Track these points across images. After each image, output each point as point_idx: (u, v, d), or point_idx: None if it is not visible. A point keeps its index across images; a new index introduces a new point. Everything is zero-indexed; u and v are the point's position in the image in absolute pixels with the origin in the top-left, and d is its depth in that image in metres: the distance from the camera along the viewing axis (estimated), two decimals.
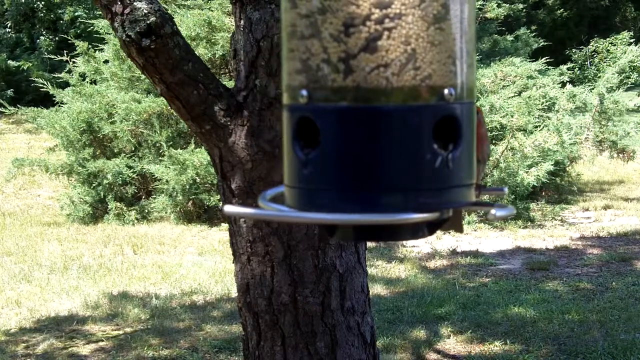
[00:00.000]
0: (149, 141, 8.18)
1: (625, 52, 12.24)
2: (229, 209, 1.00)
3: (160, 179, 7.79)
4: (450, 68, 0.92)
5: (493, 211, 0.92)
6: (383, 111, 0.90)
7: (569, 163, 8.85)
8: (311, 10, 0.91)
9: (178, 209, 7.86)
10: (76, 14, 15.51)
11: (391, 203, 0.90)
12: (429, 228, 0.95)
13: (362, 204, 0.90)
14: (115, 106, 8.24)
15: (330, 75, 0.90)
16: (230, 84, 2.56)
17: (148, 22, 2.26)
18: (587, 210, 8.31)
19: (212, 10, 8.30)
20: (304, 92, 0.92)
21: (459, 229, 1.30)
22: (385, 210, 0.90)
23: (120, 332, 4.68)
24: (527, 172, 7.68)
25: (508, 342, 4.28)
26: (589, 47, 19.47)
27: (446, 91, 0.91)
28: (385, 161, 0.90)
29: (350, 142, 0.90)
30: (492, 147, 7.79)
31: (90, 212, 8.17)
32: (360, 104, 0.90)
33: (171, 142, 8.00)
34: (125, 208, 8.09)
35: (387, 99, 0.90)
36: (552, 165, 7.86)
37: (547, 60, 10.20)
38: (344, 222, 0.93)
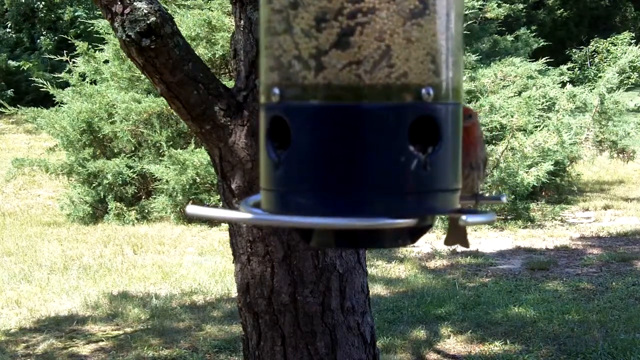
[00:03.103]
0: (149, 141, 8.18)
1: (625, 52, 12.23)
2: (191, 210, 0.93)
3: (160, 179, 7.79)
4: (429, 66, 0.86)
5: (464, 217, 0.87)
6: (355, 110, 0.85)
7: (569, 163, 8.85)
8: (284, 4, 0.87)
9: (178, 209, 7.86)
10: (76, 14, 15.52)
11: (367, 207, 0.85)
12: (411, 235, 0.89)
13: (335, 207, 0.85)
14: (115, 106, 8.23)
15: (301, 72, 0.86)
16: (230, 84, 2.56)
17: (148, 22, 2.26)
18: (587, 210, 8.31)
19: (212, 10, 8.30)
20: (276, 91, 0.88)
21: (465, 244, 1.24)
22: (360, 215, 0.85)
23: (120, 332, 4.68)
24: (527, 172, 7.68)
25: (508, 342, 4.28)
26: (589, 47, 19.48)
27: (424, 90, 0.86)
28: (359, 163, 0.85)
29: (321, 142, 0.86)
30: (492, 147, 7.79)
31: (90, 212, 8.17)
32: (331, 102, 0.85)
33: (171, 142, 8.00)
34: (125, 208, 8.09)
35: (359, 97, 0.85)
36: (552, 165, 7.86)
37: (547, 60, 10.20)
38: (316, 226, 0.88)
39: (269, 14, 0.90)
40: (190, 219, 7.87)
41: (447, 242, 1.24)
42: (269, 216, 0.92)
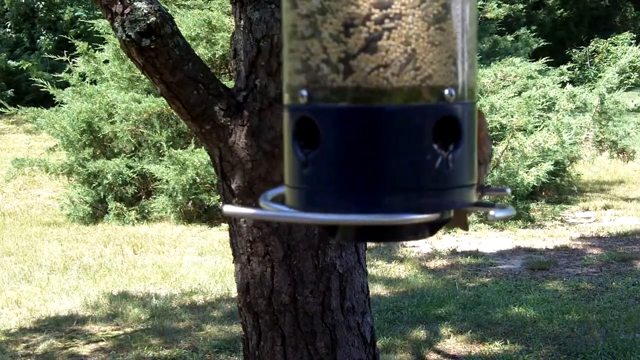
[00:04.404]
0: (149, 141, 8.18)
1: (625, 52, 12.23)
2: (228, 209, 0.99)
3: (160, 179, 7.79)
4: (451, 68, 0.91)
5: (492, 212, 0.92)
6: (383, 111, 0.90)
7: (569, 163, 8.85)
8: (311, 10, 0.91)
9: (178, 209, 7.86)
10: (76, 14, 15.51)
11: (392, 203, 0.89)
12: (430, 228, 0.94)
13: (362, 204, 0.89)
14: (115, 106, 8.23)
15: (330, 75, 0.90)
16: (230, 84, 2.56)
17: (148, 22, 2.26)
18: (587, 210, 8.31)
19: (212, 10, 8.31)
20: (304, 92, 0.92)
21: (464, 227, 1.30)
22: (385, 211, 0.89)
23: (120, 332, 4.68)
24: (527, 172, 7.68)
25: (508, 342, 4.28)
26: (589, 47, 19.47)
27: (446, 91, 0.90)
28: (386, 162, 0.89)
29: (350, 142, 0.90)
30: (492, 147, 7.78)
31: (90, 212, 8.17)
32: (360, 104, 0.89)
33: (171, 142, 8.00)
34: (125, 208, 8.09)
35: (387, 100, 0.89)
36: (552, 165, 7.86)
37: (547, 60, 10.20)
38: (344, 222, 0.92)
39: (294, 18, 0.93)
40: (190, 219, 7.88)
41: (448, 225, 1.28)
42: (302, 214, 0.96)
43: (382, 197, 0.90)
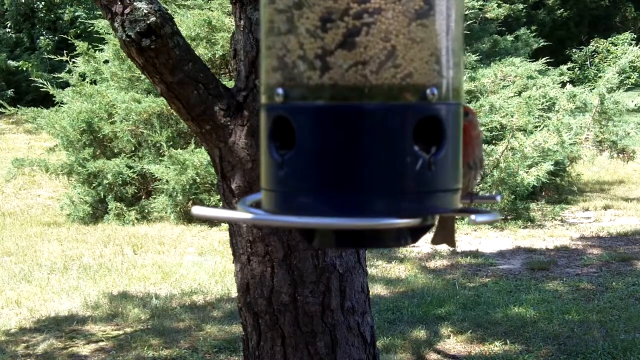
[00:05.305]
0: (149, 141, 8.18)
1: (625, 53, 12.23)
2: (197, 210, 0.93)
3: (160, 179, 7.79)
4: (433, 67, 0.87)
5: (473, 216, 0.88)
6: (361, 110, 0.85)
7: (569, 163, 8.85)
8: (288, 4, 0.87)
9: (178, 209, 7.86)
10: (76, 14, 15.51)
11: (370, 207, 0.85)
12: (412, 234, 0.90)
13: (339, 207, 0.85)
14: (115, 106, 8.24)
15: (306, 72, 0.86)
16: (230, 84, 2.56)
17: (148, 22, 2.26)
18: (587, 210, 8.31)
19: (212, 10, 8.31)
20: (280, 91, 0.88)
21: (451, 243, 1.21)
22: (364, 215, 0.85)
23: (120, 332, 4.68)
24: (527, 172, 7.68)
25: (508, 342, 4.28)
26: (589, 47, 19.49)
27: (428, 91, 0.86)
28: (364, 163, 0.85)
29: (327, 142, 0.85)
30: (492, 147, 7.79)
31: (90, 212, 8.17)
32: (337, 102, 0.85)
33: (171, 142, 8.00)
34: (125, 208, 8.09)
35: (365, 98, 0.85)
36: (552, 165, 7.86)
37: (547, 60, 10.20)
38: (319, 226, 0.88)
39: (271, 14, 0.89)
40: (190, 219, 7.88)
41: (434, 241, 1.22)
42: (274, 217, 0.92)
43: (360, 200, 0.85)
